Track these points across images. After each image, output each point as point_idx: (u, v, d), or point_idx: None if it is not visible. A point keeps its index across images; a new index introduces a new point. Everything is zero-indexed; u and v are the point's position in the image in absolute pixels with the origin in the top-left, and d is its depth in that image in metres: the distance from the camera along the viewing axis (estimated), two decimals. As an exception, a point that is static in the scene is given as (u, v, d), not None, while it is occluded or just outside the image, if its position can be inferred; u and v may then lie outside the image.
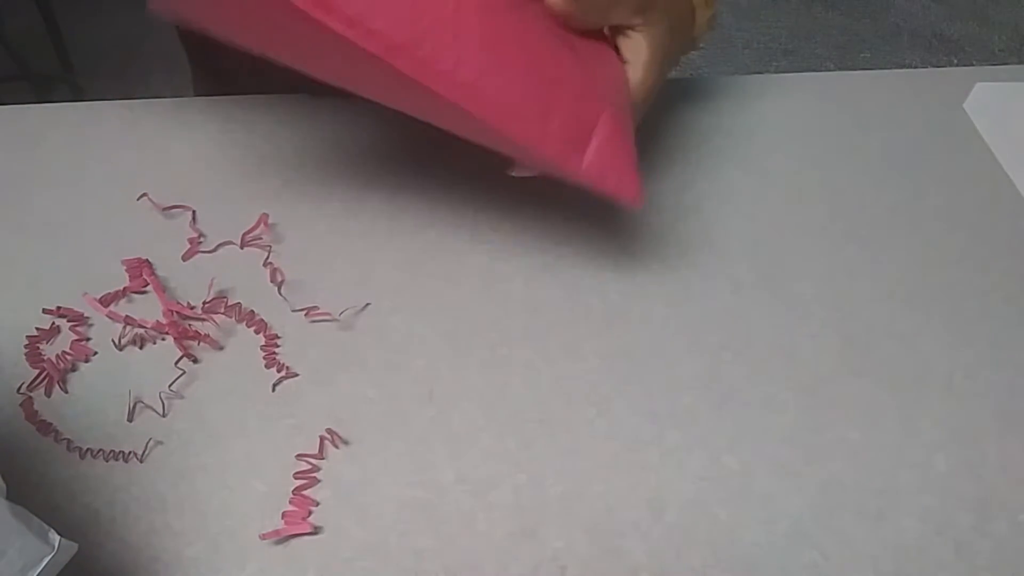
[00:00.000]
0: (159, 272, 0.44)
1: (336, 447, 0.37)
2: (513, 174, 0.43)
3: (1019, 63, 1.98)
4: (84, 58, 1.81)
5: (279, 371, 0.40)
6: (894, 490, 0.36)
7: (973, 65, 1.48)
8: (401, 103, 0.40)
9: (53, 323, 0.41)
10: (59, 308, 0.41)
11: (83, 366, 0.40)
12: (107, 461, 0.36)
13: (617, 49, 0.44)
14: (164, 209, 0.47)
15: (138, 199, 0.47)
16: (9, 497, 0.30)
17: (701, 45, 0.48)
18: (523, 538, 0.35)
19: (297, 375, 0.40)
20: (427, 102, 0.37)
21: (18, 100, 0.56)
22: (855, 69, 0.71)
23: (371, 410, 0.39)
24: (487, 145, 0.40)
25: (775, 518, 0.35)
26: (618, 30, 0.43)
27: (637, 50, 0.43)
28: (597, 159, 0.39)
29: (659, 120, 0.54)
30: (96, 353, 0.41)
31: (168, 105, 0.54)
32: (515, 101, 0.37)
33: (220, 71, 0.60)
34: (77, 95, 1.73)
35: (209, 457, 0.37)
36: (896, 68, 0.60)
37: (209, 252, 0.45)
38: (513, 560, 0.34)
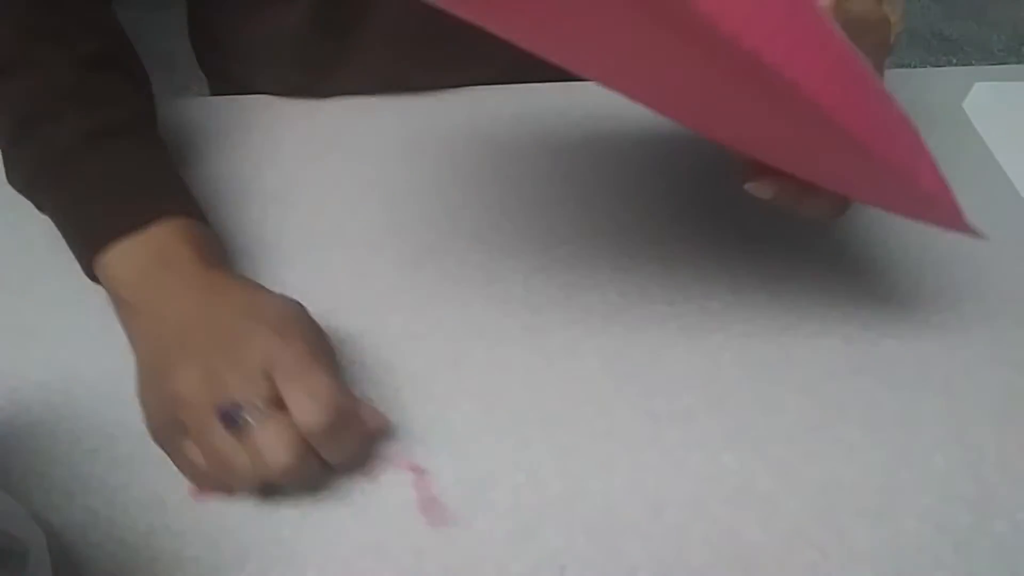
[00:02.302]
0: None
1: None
2: (750, 188, 0.37)
3: (1018, 63, 1.98)
4: (83, 58, 1.81)
5: None
6: (894, 490, 0.36)
7: (972, 65, 1.48)
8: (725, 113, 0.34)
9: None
10: None
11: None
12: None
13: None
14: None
15: None
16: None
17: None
18: (523, 538, 0.35)
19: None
20: (779, 116, 0.31)
21: (18, 100, 0.56)
22: (855, 69, 0.70)
23: (371, 410, 0.39)
24: (802, 166, 0.34)
25: (775, 518, 0.35)
26: None
27: None
28: (936, 174, 0.35)
29: (660, 120, 0.54)
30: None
31: (168, 105, 0.54)
32: (875, 111, 0.32)
33: (232, 78, 0.60)
34: (76, 95, 1.73)
35: (209, 457, 0.37)
36: (895, 68, 0.60)
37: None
38: (513, 560, 0.34)
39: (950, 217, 0.36)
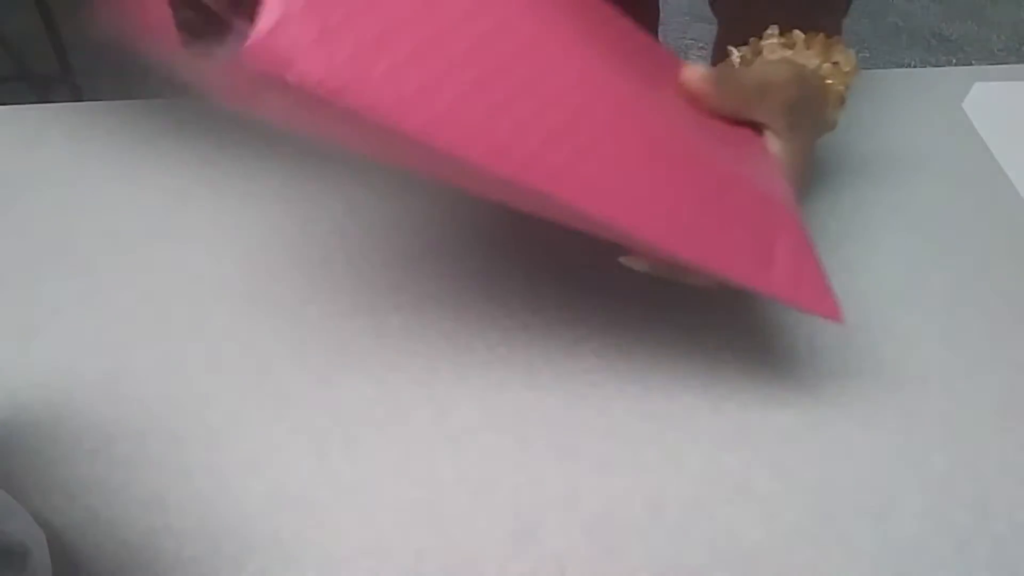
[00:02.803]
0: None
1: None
2: (623, 261, 0.39)
3: (1018, 62, 1.98)
4: (83, 58, 1.81)
5: None
6: (893, 490, 0.36)
7: (972, 65, 1.48)
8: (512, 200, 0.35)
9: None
10: None
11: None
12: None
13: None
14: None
15: None
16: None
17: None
18: (523, 538, 0.35)
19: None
20: (561, 213, 0.33)
21: (17, 100, 0.56)
22: (854, 69, 0.71)
23: (371, 410, 0.39)
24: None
25: (775, 518, 0.35)
26: (766, 129, 0.40)
27: (788, 157, 0.40)
28: (786, 273, 0.36)
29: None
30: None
31: (168, 105, 0.54)
32: (689, 220, 0.34)
33: None
34: (76, 95, 1.73)
35: (209, 457, 0.37)
36: (895, 68, 0.60)
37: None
38: (513, 560, 0.34)
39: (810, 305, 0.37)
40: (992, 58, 2.02)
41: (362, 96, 0.28)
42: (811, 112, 0.41)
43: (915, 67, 0.76)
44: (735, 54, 0.41)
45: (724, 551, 0.34)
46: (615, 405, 0.39)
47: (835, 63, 0.41)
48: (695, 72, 0.39)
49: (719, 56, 0.43)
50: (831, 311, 0.36)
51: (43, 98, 1.70)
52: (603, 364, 0.41)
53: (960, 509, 0.36)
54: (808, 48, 0.41)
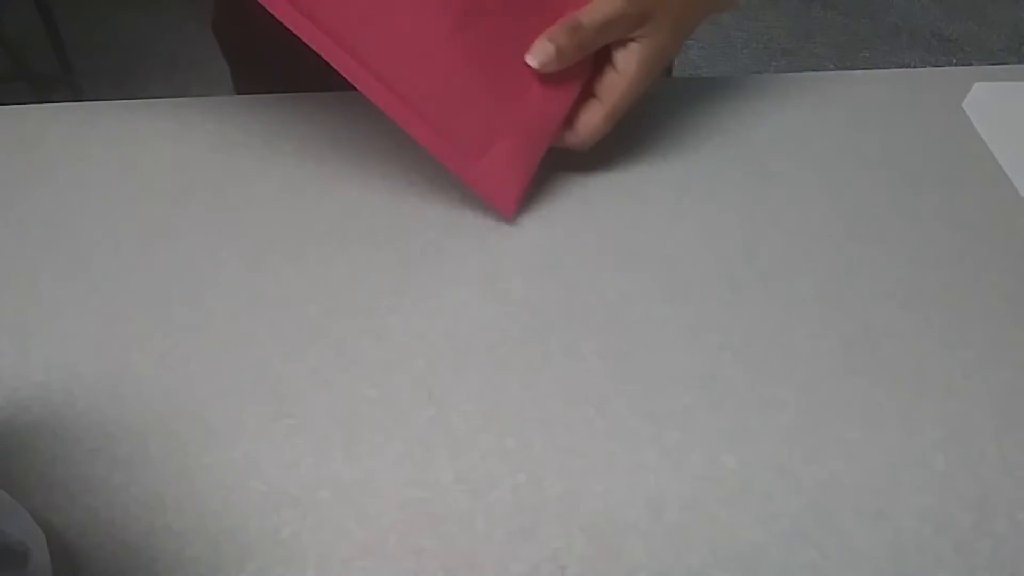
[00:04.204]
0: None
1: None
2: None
3: (1018, 63, 1.98)
4: (83, 58, 1.81)
5: None
6: (893, 490, 0.36)
7: (972, 65, 1.48)
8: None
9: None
10: None
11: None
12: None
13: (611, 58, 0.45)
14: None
15: None
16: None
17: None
18: (523, 538, 0.35)
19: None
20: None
21: (17, 100, 0.56)
22: (854, 69, 0.71)
23: (371, 410, 0.39)
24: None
25: (775, 518, 0.35)
26: (616, 43, 0.44)
27: (627, 60, 0.44)
28: (488, 168, 0.44)
29: (659, 120, 0.54)
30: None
31: (168, 105, 0.54)
32: (425, 96, 0.42)
33: (257, 72, 0.60)
34: (76, 95, 1.73)
35: (209, 457, 0.37)
36: (895, 68, 0.60)
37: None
38: (513, 560, 0.34)
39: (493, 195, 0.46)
40: (992, 58, 2.02)
41: None
42: (672, 8, 0.44)
43: (915, 67, 0.76)
44: None
45: (724, 551, 0.34)
46: (615, 405, 0.39)
47: None
48: (536, 57, 0.43)
49: None
50: (505, 207, 0.46)
51: (43, 98, 1.70)
52: (603, 364, 0.41)
53: (960, 509, 0.36)
54: None
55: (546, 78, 0.44)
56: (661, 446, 0.38)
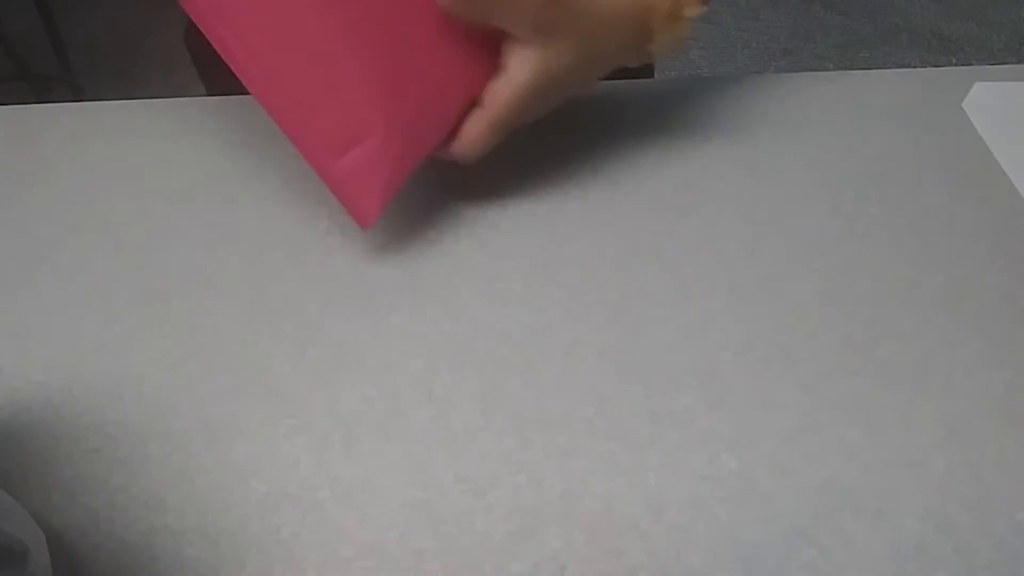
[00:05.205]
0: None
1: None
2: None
3: (1018, 63, 1.98)
4: (84, 58, 1.81)
5: None
6: (893, 490, 0.36)
7: (972, 65, 1.48)
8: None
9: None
10: None
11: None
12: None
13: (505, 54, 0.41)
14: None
15: None
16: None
17: (671, 56, 0.45)
18: (523, 538, 0.35)
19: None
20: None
21: (17, 100, 0.56)
22: (854, 69, 0.71)
23: (371, 410, 0.39)
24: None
25: (775, 518, 0.35)
26: (511, 37, 0.40)
27: (520, 67, 0.40)
28: (348, 169, 0.40)
29: (659, 120, 0.54)
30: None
31: (168, 105, 0.54)
32: (289, 82, 0.39)
33: (226, 69, 0.60)
34: (76, 95, 1.73)
35: (209, 457, 0.37)
36: (895, 68, 0.60)
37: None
38: (513, 560, 0.34)
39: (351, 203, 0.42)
40: (992, 58, 2.02)
41: None
42: (580, 28, 0.40)
43: (915, 67, 0.76)
44: None
45: (724, 551, 0.34)
46: (615, 405, 0.39)
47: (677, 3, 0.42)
48: None
49: None
50: (361, 216, 0.41)
51: (43, 98, 1.70)
52: (603, 364, 0.41)
53: (960, 509, 0.36)
54: None
55: (432, 75, 0.40)
56: (661, 446, 0.38)
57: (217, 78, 0.64)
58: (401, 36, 0.40)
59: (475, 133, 0.42)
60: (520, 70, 0.40)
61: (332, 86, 0.39)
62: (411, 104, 0.40)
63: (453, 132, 0.43)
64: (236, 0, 0.38)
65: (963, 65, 1.17)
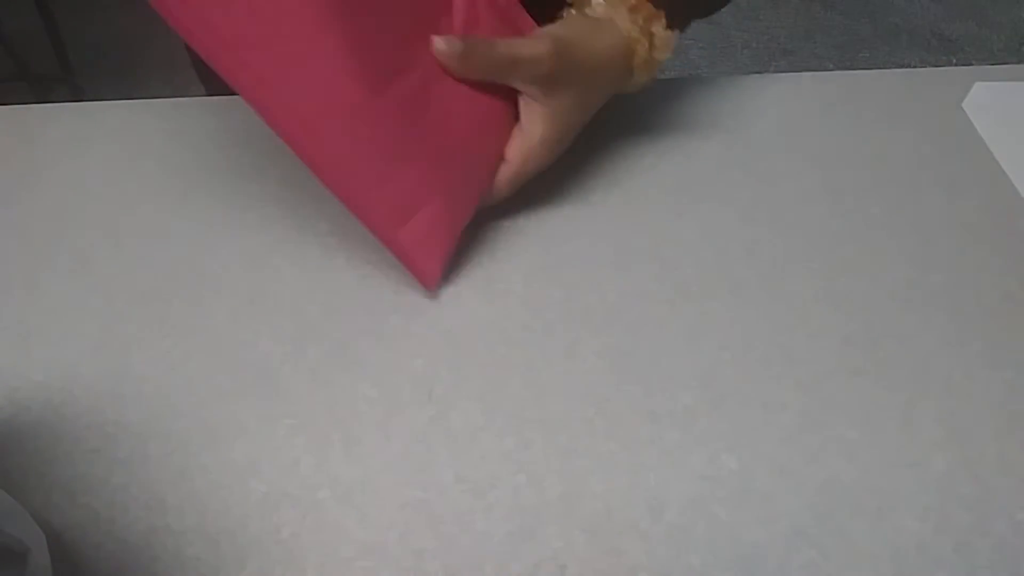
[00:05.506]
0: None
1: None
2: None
3: (1018, 63, 1.97)
4: (84, 58, 1.81)
5: None
6: (893, 490, 0.36)
7: (972, 65, 1.47)
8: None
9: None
10: None
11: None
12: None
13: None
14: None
15: None
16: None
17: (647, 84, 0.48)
18: (523, 538, 0.35)
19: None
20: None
21: (17, 100, 0.56)
22: (854, 69, 0.71)
23: (371, 410, 0.39)
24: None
25: (775, 518, 0.35)
26: (522, 96, 0.44)
27: (533, 123, 0.44)
28: (412, 236, 0.41)
29: (659, 120, 0.54)
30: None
31: (168, 105, 0.54)
32: (343, 158, 0.39)
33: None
34: (76, 95, 1.73)
35: (209, 457, 0.37)
36: (895, 68, 0.60)
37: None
38: (513, 560, 0.34)
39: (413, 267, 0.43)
40: (992, 58, 2.02)
41: None
42: (580, 81, 0.44)
43: (915, 67, 0.76)
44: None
45: (724, 551, 0.34)
46: (615, 405, 0.39)
47: (650, 34, 0.45)
48: (443, 43, 0.41)
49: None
50: (429, 278, 0.43)
51: (43, 98, 1.70)
52: (603, 364, 0.41)
53: (960, 509, 0.36)
54: (629, 13, 0.44)
55: (472, 139, 0.43)
56: (661, 446, 0.38)
57: (217, 79, 0.64)
58: (444, 105, 0.42)
59: (501, 185, 0.45)
60: (534, 126, 0.44)
61: (391, 158, 0.40)
62: (459, 167, 0.43)
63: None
64: (293, 93, 0.38)
65: (963, 65, 1.17)
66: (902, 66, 1.82)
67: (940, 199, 0.49)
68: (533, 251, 0.46)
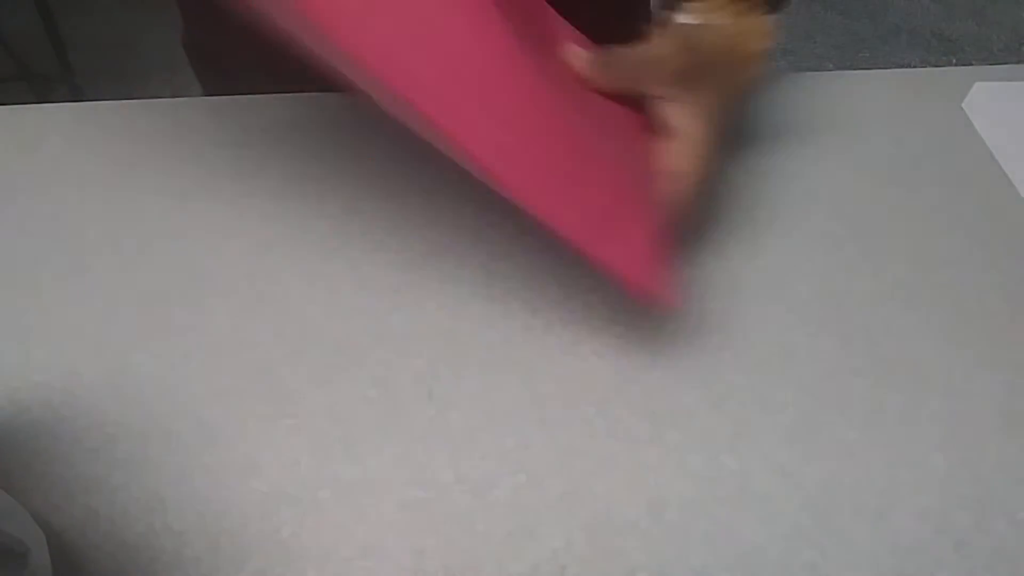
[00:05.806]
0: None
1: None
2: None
3: (1018, 63, 1.97)
4: (83, 58, 1.81)
5: None
6: (893, 490, 0.36)
7: (972, 65, 1.47)
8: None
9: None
10: None
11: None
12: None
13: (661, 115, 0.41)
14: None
15: None
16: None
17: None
18: (523, 538, 0.35)
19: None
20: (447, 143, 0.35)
21: (17, 100, 0.56)
22: (854, 69, 0.71)
23: (371, 410, 0.39)
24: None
25: (774, 518, 0.35)
26: (660, 101, 0.41)
27: (688, 122, 0.41)
28: (626, 250, 0.36)
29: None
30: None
31: (168, 105, 0.54)
32: (547, 175, 0.35)
33: (224, 71, 0.60)
34: (76, 95, 1.73)
35: (209, 457, 0.37)
36: (895, 68, 0.60)
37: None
38: (513, 560, 0.34)
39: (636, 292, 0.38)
40: (992, 58, 2.02)
41: None
42: (715, 72, 0.41)
43: (915, 67, 0.76)
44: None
45: (724, 551, 0.34)
46: (615, 405, 0.39)
47: (749, 25, 0.42)
48: (577, 55, 0.40)
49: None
50: (670, 299, 0.39)
51: (43, 98, 1.70)
52: (603, 364, 0.41)
53: (960, 509, 0.36)
54: (723, 8, 0.41)
55: (639, 155, 0.40)
56: (661, 446, 0.38)
57: (215, 80, 0.64)
58: (616, 124, 0.41)
59: (684, 197, 0.41)
60: (691, 125, 0.40)
61: (587, 167, 0.37)
62: (644, 183, 0.40)
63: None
64: (495, 116, 0.34)
65: (963, 65, 1.17)
66: (902, 66, 1.82)
67: (939, 198, 0.49)
68: (533, 251, 0.46)
